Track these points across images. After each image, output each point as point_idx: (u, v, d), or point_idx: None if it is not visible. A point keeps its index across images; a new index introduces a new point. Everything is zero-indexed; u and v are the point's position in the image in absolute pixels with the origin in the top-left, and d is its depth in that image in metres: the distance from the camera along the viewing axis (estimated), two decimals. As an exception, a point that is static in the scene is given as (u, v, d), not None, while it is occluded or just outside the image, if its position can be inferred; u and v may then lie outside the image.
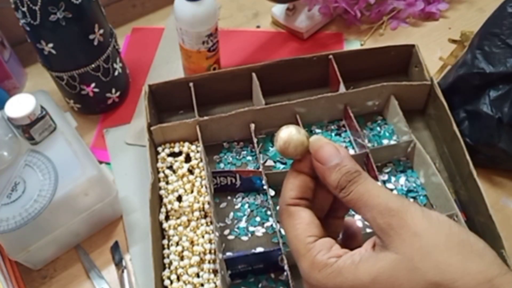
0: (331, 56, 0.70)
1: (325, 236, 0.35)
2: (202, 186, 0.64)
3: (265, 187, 0.62)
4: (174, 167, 0.66)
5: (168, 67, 0.79)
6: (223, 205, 0.65)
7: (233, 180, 0.64)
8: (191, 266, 0.58)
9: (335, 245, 0.34)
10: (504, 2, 0.62)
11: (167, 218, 0.62)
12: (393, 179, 0.66)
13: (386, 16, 0.83)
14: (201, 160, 0.66)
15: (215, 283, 0.57)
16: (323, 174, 0.34)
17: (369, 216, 0.32)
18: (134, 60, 0.80)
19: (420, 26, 0.84)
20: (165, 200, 0.63)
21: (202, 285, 0.57)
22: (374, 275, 0.30)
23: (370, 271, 0.31)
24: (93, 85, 0.68)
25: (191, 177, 0.65)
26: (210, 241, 0.60)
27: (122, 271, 0.60)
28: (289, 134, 0.35)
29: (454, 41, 0.76)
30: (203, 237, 0.60)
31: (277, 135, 0.36)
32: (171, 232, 0.61)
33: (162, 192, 0.63)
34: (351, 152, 0.68)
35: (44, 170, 0.57)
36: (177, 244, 0.60)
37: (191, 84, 0.68)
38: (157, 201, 0.62)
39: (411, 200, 0.64)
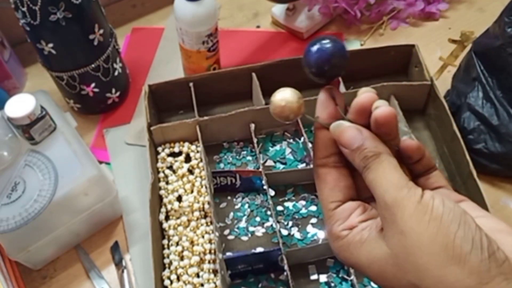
0: (331, 56, 0.70)
1: (349, 198, 0.35)
2: (202, 186, 0.64)
3: (265, 187, 0.62)
4: (174, 167, 0.66)
5: (168, 67, 0.79)
6: (223, 205, 0.65)
7: (233, 180, 0.64)
8: (191, 266, 0.58)
9: (355, 212, 0.35)
10: None
11: (167, 218, 0.62)
12: (393, 179, 0.66)
13: (386, 16, 0.83)
14: (201, 160, 0.66)
15: (215, 283, 0.57)
16: (350, 158, 0.34)
17: (375, 204, 0.33)
18: (134, 60, 0.80)
19: (420, 26, 0.84)
20: (165, 200, 0.63)
21: (202, 285, 0.57)
22: (371, 261, 0.32)
23: (368, 256, 0.32)
24: (93, 85, 0.68)
25: (191, 177, 0.65)
26: (210, 241, 0.60)
27: (122, 271, 0.60)
28: (284, 97, 0.36)
29: (454, 41, 0.76)
30: (203, 237, 0.60)
31: (273, 98, 0.36)
32: (171, 232, 0.61)
33: (162, 192, 0.63)
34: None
35: (44, 170, 0.57)
36: (177, 244, 0.60)
37: (191, 84, 0.68)
38: (157, 201, 0.62)
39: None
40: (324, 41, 0.36)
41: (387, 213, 0.31)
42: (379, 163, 0.33)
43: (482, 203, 0.58)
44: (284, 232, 0.62)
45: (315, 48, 0.36)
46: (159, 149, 0.67)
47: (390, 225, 0.31)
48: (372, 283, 0.58)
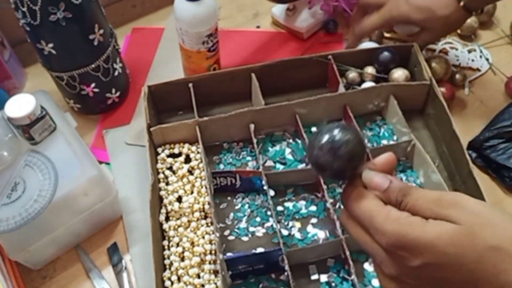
0: (330, 56, 0.70)
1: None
2: (202, 187, 0.64)
3: (265, 187, 0.62)
4: (174, 168, 0.66)
5: (168, 67, 0.79)
6: (223, 205, 0.65)
7: (233, 181, 0.64)
8: (191, 267, 0.58)
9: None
10: None
11: (167, 219, 0.62)
12: (393, 179, 0.66)
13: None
14: (201, 161, 0.66)
15: (215, 283, 0.57)
16: (384, 197, 0.39)
17: (428, 211, 0.37)
18: (134, 60, 0.80)
19: (420, 26, 0.84)
20: (165, 201, 0.63)
21: (202, 286, 0.57)
22: (438, 233, 0.35)
23: (435, 229, 0.35)
24: (93, 85, 0.68)
25: (191, 177, 0.65)
26: (210, 242, 0.60)
27: (118, 273, 0.60)
28: None
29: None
30: (203, 237, 0.60)
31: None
32: (171, 233, 0.61)
33: (162, 193, 0.63)
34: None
35: (44, 170, 0.57)
36: (178, 245, 0.60)
37: (190, 85, 0.68)
38: (157, 202, 0.62)
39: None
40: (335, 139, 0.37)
41: (451, 203, 0.36)
42: (417, 188, 0.38)
43: (482, 203, 0.58)
44: (285, 232, 0.62)
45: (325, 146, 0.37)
46: (159, 149, 0.67)
47: (458, 210, 0.35)
48: (372, 283, 0.58)
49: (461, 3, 0.66)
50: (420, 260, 0.35)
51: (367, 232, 0.38)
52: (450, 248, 0.34)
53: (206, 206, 0.62)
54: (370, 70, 0.72)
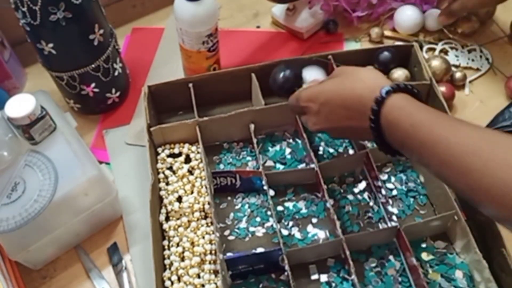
0: (330, 56, 0.70)
1: None
2: (202, 187, 0.64)
3: (265, 187, 0.62)
4: (174, 168, 0.66)
5: (168, 67, 0.79)
6: (223, 205, 0.65)
7: (233, 181, 0.64)
8: (191, 267, 0.58)
9: None
10: None
11: (167, 219, 0.62)
12: (393, 178, 0.66)
13: (383, 16, 0.83)
14: (201, 161, 0.66)
15: (216, 283, 0.57)
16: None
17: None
18: (134, 60, 0.80)
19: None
20: (165, 201, 0.62)
21: (203, 285, 0.57)
22: (327, 83, 0.54)
23: (327, 82, 0.55)
24: (93, 85, 0.68)
25: (191, 177, 0.65)
26: (210, 242, 0.60)
27: (118, 273, 0.60)
28: None
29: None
30: (203, 237, 0.60)
31: None
32: (171, 233, 0.61)
33: (162, 193, 0.63)
34: (351, 152, 0.68)
35: (44, 170, 0.57)
36: (178, 245, 0.60)
37: (190, 85, 0.68)
38: (157, 202, 0.62)
39: (411, 199, 0.64)
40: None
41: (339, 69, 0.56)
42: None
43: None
44: (285, 232, 0.62)
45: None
46: (159, 149, 0.67)
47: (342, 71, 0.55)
48: (373, 282, 0.58)
49: None
50: (317, 103, 0.53)
51: (298, 109, 0.58)
52: (330, 87, 0.53)
53: (206, 206, 0.62)
54: None
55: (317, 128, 0.55)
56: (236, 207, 0.65)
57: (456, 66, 0.78)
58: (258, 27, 0.85)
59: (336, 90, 0.52)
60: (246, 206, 0.65)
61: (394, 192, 0.65)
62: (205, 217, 0.62)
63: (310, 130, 0.57)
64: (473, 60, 0.79)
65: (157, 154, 0.67)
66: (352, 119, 0.51)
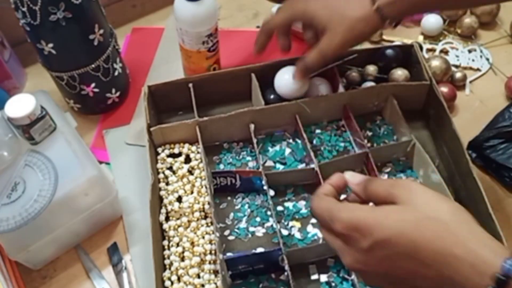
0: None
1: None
2: (202, 187, 0.64)
3: (265, 187, 0.62)
4: (174, 167, 0.66)
5: (168, 67, 0.79)
6: (223, 205, 0.65)
7: (233, 181, 0.64)
8: (191, 267, 0.58)
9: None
10: None
11: (167, 219, 0.62)
12: (393, 179, 0.66)
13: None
14: (201, 161, 0.66)
15: (215, 283, 0.57)
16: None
17: (384, 192, 0.41)
18: (134, 60, 0.80)
19: (420, 27, 0.84)
20: (165, 201, 0.62)
21: (202, 285, 0.57)
22: (386, 213, 0.39)
23: (383, 210, 0.39)
24: (93, 85, 0.68)
25: (191, 177, 0.65)
26: (210, 242, 0.60)
27: (118, 273, 0.60)
28: None
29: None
30: (203, 237, 0.60)
31: None
32: (171, 233, 0.61)
33: (162, 193, 0.63)
34: (351, 152, 0.68)
35: (44, 170, 0.57)
36: (178, 245, 0.60)
37: (190, 85, 0.68)
38: (157, 202, 0.62)
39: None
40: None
41: (402, 186, 0.40)
42: (372, 178, 0.45)
43: (482, 202, 0.58)
44: (285, 232, 0.62)
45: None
46: (159, 149, 0.67)
47: (407, 193, 0.39)
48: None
49: (375, 6, 0.56)
50: (370, 239, 0.38)
51: (330, 229, 0.42)
52: (394, 223, 0.37)
53: (206, 206, 0.62)
54: (371, 69, 0.72)
55: (358, 268, 0.41)
56: (236, 207, 0.65)
57: (456, 66, 0.78)
58: (258, 27, 0.85)
59: (408, 233, 0.37)
60: (246, 206, 0.65)
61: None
62: (205, 217, 0.62)
63: (346, 267, 0.42)
64: (473, 60, 0.79)
65: (157, 154, 0.67)
66: (426, 279, 0.37)
